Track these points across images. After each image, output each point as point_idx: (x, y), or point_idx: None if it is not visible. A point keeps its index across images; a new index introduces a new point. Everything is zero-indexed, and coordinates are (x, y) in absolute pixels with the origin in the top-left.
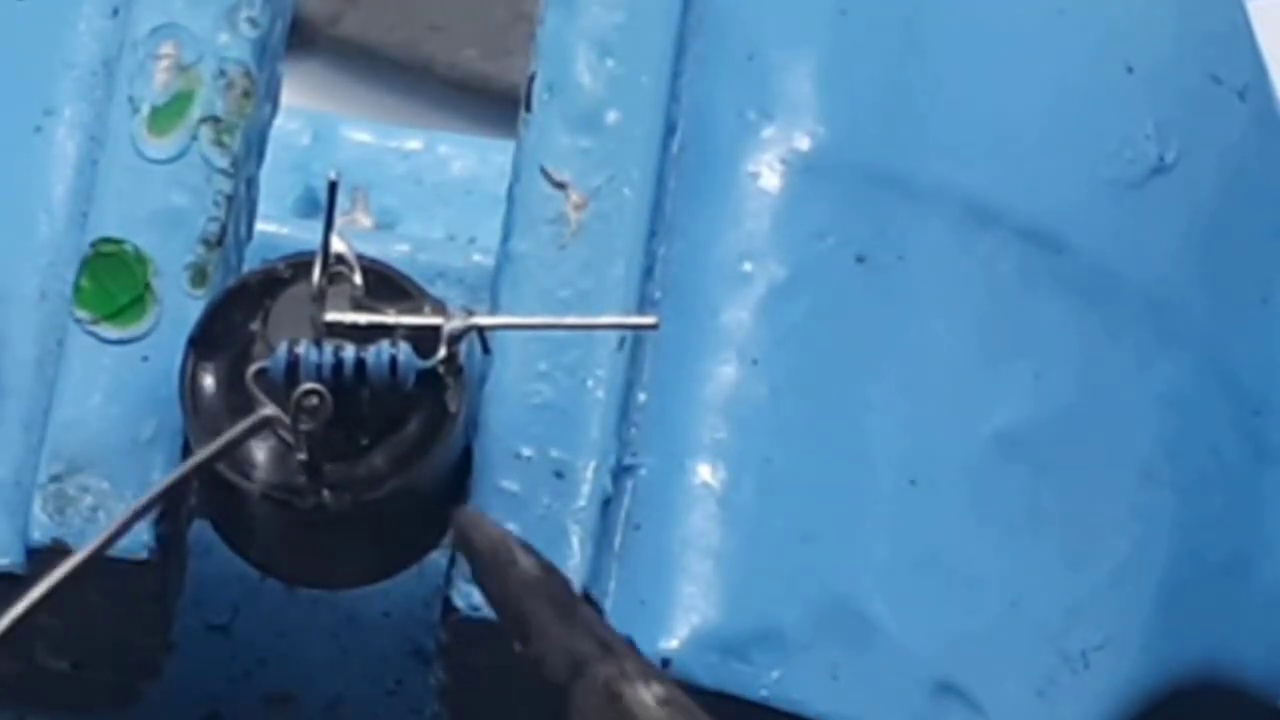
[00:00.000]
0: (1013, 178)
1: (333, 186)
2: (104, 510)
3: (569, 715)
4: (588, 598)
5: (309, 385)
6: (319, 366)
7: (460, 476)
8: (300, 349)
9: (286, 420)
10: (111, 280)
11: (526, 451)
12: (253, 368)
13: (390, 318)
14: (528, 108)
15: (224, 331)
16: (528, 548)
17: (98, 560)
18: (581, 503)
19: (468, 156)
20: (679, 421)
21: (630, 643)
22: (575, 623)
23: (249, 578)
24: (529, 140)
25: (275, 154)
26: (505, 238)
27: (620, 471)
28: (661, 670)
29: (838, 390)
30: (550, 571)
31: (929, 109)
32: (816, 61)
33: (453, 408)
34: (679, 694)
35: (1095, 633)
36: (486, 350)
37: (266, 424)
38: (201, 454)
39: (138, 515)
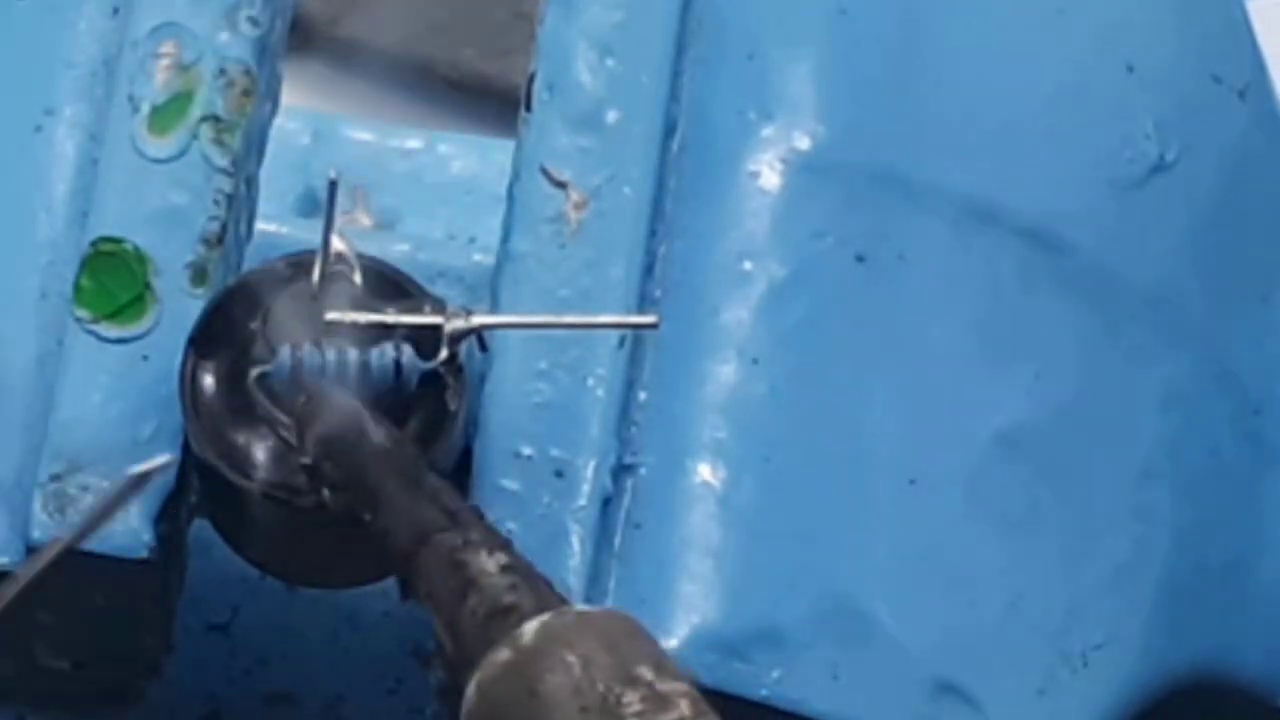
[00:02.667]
0: (1013, 177)
1: (333, 186)
2: None
3: (415, 584)
4: (437, 470)
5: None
6: (322, 370)
7: (460, 475)
8: (303, 353)
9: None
10: (111, 279)
11: (527, 450)
12: (255, 371)
13: (390, 317)
14: (528, 107)
15: (224, 331)
16: (378, 420)
17: (97, 561)
18: (582, 502)
19: (468, 156)
20: (679, 420)
21: (477, 512)
22: (422, 493)
23: (249, 578)
24: (529, 140)
25: (275, 154)
26: (505, 237)
27: (620, 470)
28: (506, 538)
29: (838, 390)
30: (398, 443)
31: (929, 109)
32: (816, 61)
33: (452, 407)
34: (522, 562)
35: (1095, 632)
36: (484, 348)
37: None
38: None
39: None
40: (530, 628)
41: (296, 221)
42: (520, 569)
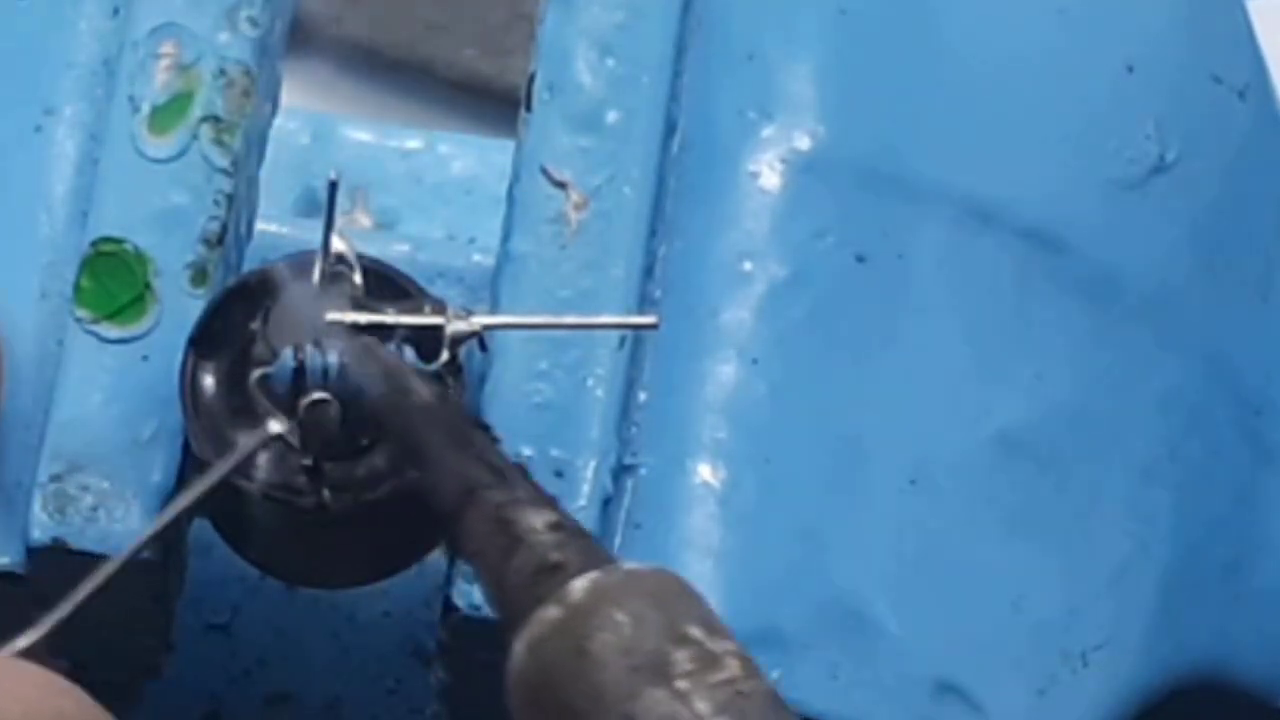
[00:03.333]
0: (1013, 178)
1: (333, 186)
2: (104, 509)
3: (461, 542)
4: (483, 426)
5: (316, 394)
6: (325, 372)
7: None
8: (304, 355)
9: (289, 433)
10: (112, 279)
11: (526, 451)
12: (256, 374)
13: (391, 317)
14: (528, 107)
15: (224, 331)
16: (423, 375)
17: (97, 561)
18: (582, 502)
19: (468, 156)
20: (679, 421)
21: (523, 469)
22: (468, 450)
23: (249, 578)
24: (529, 140)
25: (275, 154)
26: (505, 237)
27: (620, 471)
28: (552, 496)
29: (838, 390)
30: (445, 399)
31: (929, 109)
32: (816, 61)
33: None
34: (569, 520)
35: (1095, 633)
36: (484, 348)
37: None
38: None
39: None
40: (579, 585)
41: (296, 221)
42: (567, 526)
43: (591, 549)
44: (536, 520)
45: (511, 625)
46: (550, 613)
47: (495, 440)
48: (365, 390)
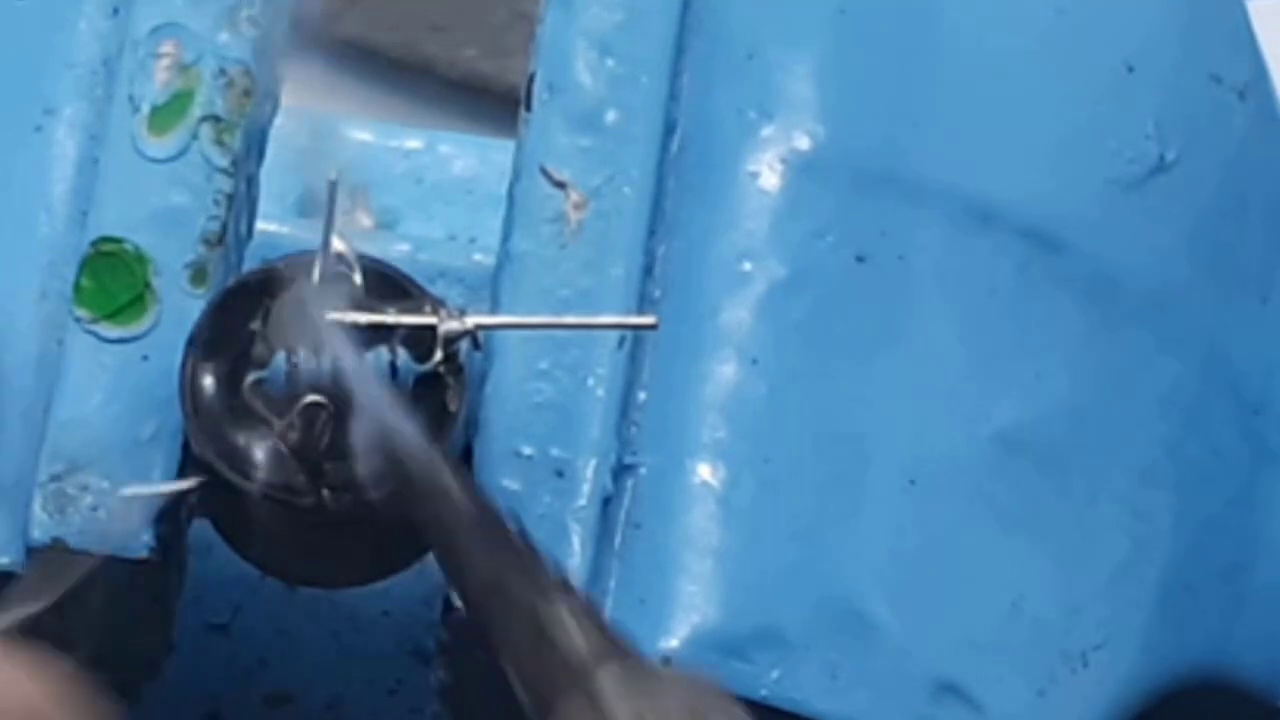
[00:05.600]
0: (1013, 177)
1: (333, 186)
2: (104, 509)
3: (488, 634)
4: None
5: (311, 398)
6: (318, 376)
7: None
8: (298, 359)
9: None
10: (111, 279)
11: (527, 450)
12: (250, 378)
13: (390, 317)
14: (528, 107)
15: (224, 331)
16: (453, 462)
17: (97, 561)
18: (582, 501)
19: (468, 156)
20: (679, 421)
21: (544, 556)
22: (494, 540)
23: (249, 578)
24: (529, 140)
25: (275, 154)
26: (505, 237)
27: (620, 470)
28: (574, 585)
29: (838, 389)
30: (473, 489)
31: (929, 109)
32: (816, 61)
33: (453, 407)
34: (593, 609)
35: (1095, 633)
36: (477, 347)
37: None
38: None
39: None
40: (606, 678)
41: (296, 221)
42: (592, 617)
43: (615, 641)
44: (562, 609)
45: (539, 715)
46: (575, 704)
47: (518, 527)
48: (395, 478)
